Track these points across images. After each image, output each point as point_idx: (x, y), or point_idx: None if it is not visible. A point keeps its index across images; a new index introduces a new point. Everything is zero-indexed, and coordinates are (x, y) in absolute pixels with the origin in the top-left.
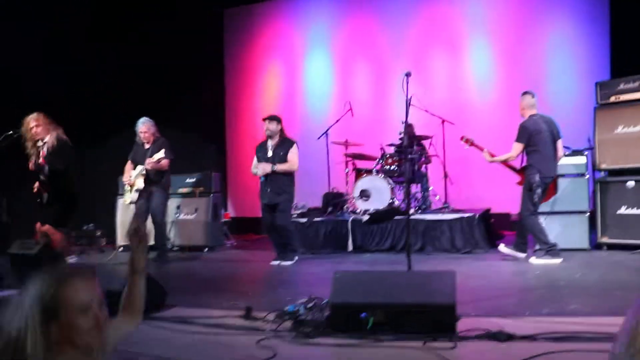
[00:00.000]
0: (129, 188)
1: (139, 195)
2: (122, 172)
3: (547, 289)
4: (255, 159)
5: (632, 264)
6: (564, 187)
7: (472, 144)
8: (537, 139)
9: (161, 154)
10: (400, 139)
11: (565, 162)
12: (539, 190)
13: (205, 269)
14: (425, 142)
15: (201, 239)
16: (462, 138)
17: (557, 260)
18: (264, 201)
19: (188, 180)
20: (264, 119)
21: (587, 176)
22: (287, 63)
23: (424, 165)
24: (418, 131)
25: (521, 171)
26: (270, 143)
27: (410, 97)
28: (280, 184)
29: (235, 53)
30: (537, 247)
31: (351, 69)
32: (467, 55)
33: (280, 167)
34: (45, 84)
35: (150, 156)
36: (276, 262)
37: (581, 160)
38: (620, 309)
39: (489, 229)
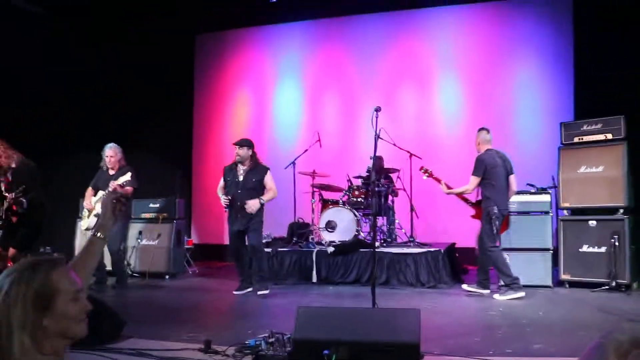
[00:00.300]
0: (88, 213)
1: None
2: (82, 196)
3: (511, 327)
4: (222, 180)
5: (593, 302)
6: (528, 224)
7: (430, 175)
8: (492, 172)
9: (127, 177)
10: (368, 171)
11: (530, 200)
12: (497, 222)
13: (166, 298)
14: (392, 175)
15: (163, 266)
16: (421, 168)
17: (520, 294)
18: (235, 227)
19: (152, 205)
20: (235, 144)
21: (551, 214)
22: (257, 91)
23: (390, 198)
24: (386, 164)
25: (476, 205)
26: (242, 168)
27: (379, 131)
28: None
29: (206, 79)
30: (501, 282)
31: (321, 100)
32: (436, 91)
33: (266, 198)
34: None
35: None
36: (239, 292)
37: (545, 198)
38: (583, 349)
39: (454, 263)
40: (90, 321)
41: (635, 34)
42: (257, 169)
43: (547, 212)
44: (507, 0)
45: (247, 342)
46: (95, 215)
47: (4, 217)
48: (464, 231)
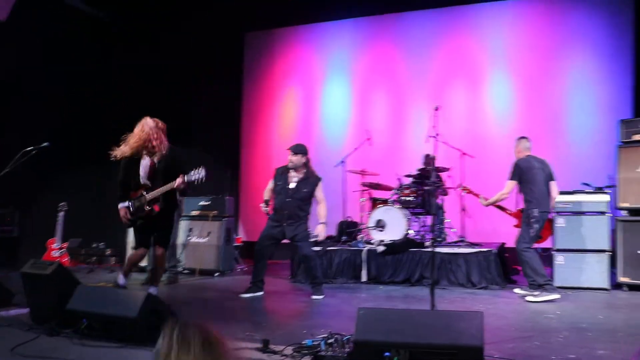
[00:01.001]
0: None
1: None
2: None
3: (570, 331)
4: (271, 182)
5: None
6: (583, 224)
7: (469, 191)
8: (529, 175)
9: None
10: (418, 170)
11: (587, 200)
12: (536, 225)
13: (217, 295)
14: (442, 174)
15: (212, 263)
16: (459, 186)
17: (554, 296)
18: (274, 232)
19: (201, 203)
20: (289, 149)
21: (608, 214)
22: (305, 89)
23: (440, 197)
24: (437, 163)
25: (517, 213)
26: (294, 174)
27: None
28: (296, 217)
29: (254, 77)
30: (529, 283)
31: (370, 98)
32: (487, 88)
33: (324, 214)
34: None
35: None
36: (247, 295)
37: (603, 198)
38: None
39: (504, 264)
40: (150, 318)
41: None
42: (310, 180)
43: (604, 213)
44: None
45: (304, 342)
46: None
47: (145, 210)
48: (514, 232)
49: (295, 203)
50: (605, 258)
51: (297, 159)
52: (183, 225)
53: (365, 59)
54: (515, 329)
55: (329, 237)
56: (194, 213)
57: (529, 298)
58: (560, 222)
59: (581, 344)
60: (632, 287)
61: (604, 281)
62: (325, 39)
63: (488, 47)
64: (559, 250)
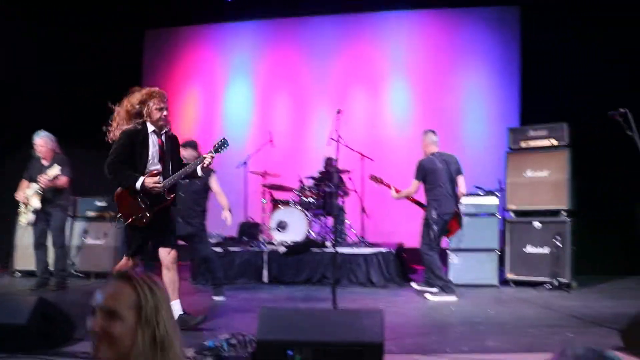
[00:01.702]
0: (24, 208)
1: (37, 217)
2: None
3: (464, 325)
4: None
5: (538, 301)
6: (476, 225)
7: (380, 182)
8: (432, 177)
9: (56, 170)
10: (320, 172)
11: (478, 202)
12: (435, 227)
13: None
14: (343, 176)
15: (109, 266)
16: (371, 177)
17: (452, 298)
18: None
19: (98, 203)
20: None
21: (498, 216)
22: (207, 89)
23: (340, 199)
24: (338, 165)
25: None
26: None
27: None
28: (192, 213)
29: (155, 75)
30: (424, 279)
31: (273, 100)
32: (387, 94)
33: (226, 204)
34: None
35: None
36: None
37: (493, 201)
38: (535, 345)
39: (403, 263)
40: (41, 325)
41: (578, 44)
42: (205, 173)
43: (493, 214)
44: (457, 8)
45: (206, 344)
46: (32, 211)
47: (167, 199)
48: (412, 232)
49: (190, 197)
50: (494, 257)
51: (188, 153)
52: (78, 226)
53: (268, 62)
54: (414, 325)
55: (230, 238)
56: (90, 214)
57: (428, 295)
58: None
59: (474, 337)
60: (518, 283)
61: (493, 278)
62: (228, 39)
63: (388, 55)
64: (453, 250)
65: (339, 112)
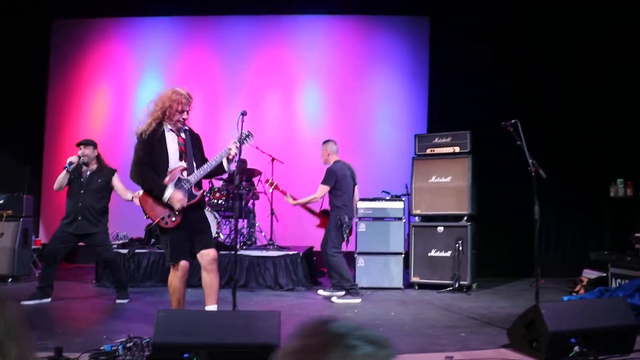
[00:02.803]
0: None
1: None
2: None
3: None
4: (62, 174)
5: (439, 303)
6: (383, 229)
7: (276, 187)
8: (343, 183)
9: None
10: (230, 174)
11: (385, 206)
12: (347, 230)
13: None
14: (254, 179)
15: (6, 268)
16: (267, 181)
17: (357, 300)
18: (70, 229)
19: None
20: (78, 144)
21: (404, 220)
22: (118, 85)
23: (251, 201)
24: (248, 167)
25: (320, 214)
26: (87, 169)
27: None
28: (94, 212)
29: (62, 68)
30: (332, 284)
31: None
32: (300, 97)
33: (135, 194)
34: None
35: None
36: (31, 302)
37: (399, 205)
38: (431, 345)
39: (312, 266)
40: None
41: (484, 54)
42: (104, 171)
43: (400, 218)
44: (371, 15)
45: (102, 348)
46: None
47: (195, 196)
48: (321, 234)
49: (90, 195)
50: (400, 260)
51: (89, 151)
52: None
53: (181, 60)
54: None
55: (137, 240)
56: None
57: (334, 299)
58: (361, 227)
59: None
60: (422, 286)
61: (399, 281)
62: (141, 35)
63: (302, 58)
64: (360, 254)
65: (243, 113)
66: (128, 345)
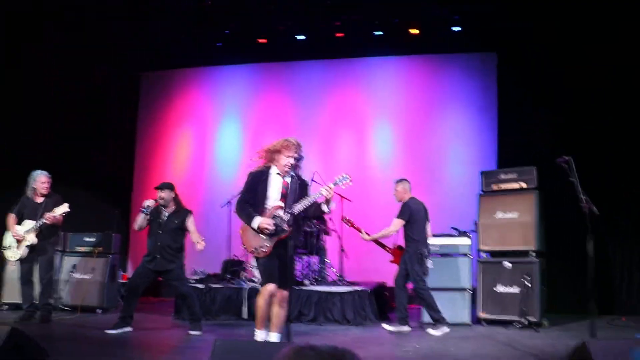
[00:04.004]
0: (17, 244)
1: (30, 251)
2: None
3: None
4: (140, 217)
5: (502, 338)
6: (449, 265)
7: (352, 225)
8: (417, 217)
9: (65, 207)
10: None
11: (452, 243)
12: (428, 262)
13: (97, 333)
14: (325, 216)
15: (96, 300)
16: (343, 218)
17: (448, 329)
18: (149, 266)
19: (87, 239)
20: (156, 188)
21: (470, 256)
22: (199, 131)
23: (322, 238)
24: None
25: (394, 250)
26: (165, 211)
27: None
28: (170, 251)
29: (149, 116)
30: (429, 318)
31: (261, 141)
32: (371, 137)
33: (197, 238)
34: None
35: (47, 210)
36: (115, 331)
37: (466, 241)
38: None
39: (382, 302)
40: (13, 354)
41: (550, 92)
42: (180, 212)
43: (466, 254)
44: (438, 54)
45: None
46: (27, 246)
47: (286, 230)
48: (394, 269)
49: (167, 236)
50: (467, 296)
51: (166, 194)
52: (67, 260)
53: (258, 105)
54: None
55: (213, 275)
56: (79, 249)
57: (430, 331)
58: (429, 263)
59: None
60: (490, 322)
61: (466, 316)
62: (220, 83)
63: (373, 99)
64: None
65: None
66: None
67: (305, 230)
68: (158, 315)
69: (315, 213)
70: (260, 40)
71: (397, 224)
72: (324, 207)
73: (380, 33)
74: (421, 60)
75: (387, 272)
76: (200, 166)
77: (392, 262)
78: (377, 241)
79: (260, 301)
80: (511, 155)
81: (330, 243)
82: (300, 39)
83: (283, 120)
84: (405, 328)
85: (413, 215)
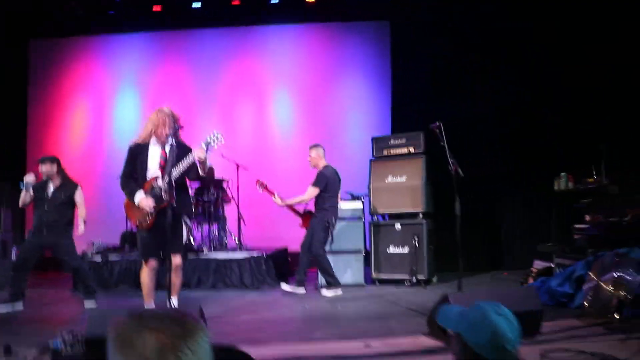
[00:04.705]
0: None
1: None
2: None
3: (305, 320)
4: (22, 193)
5: (390, 297)
6: (344, 229)
7: (265, 188)
8: (332, 187)
9: None
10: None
11: (346, 207)
12: (331, 231)
13: None
14: (223, 185)
15: None
16: (257, 182)
17: (340, 292)
18: (36, 240)
19: None
20: (38, 161)
21: (364, 219)
22: (96, 101)
23: (221, 206)
24: (217, 175)
25: (304, 215)
26: (51, 185)
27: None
28: (58, 226)
29: (41, 86)
30: (324, 281)
31: None
32: (271, 105)
33: (84, 215)
34: None
35: None
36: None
37: (358, 205)
38: (351, 334)
39: (283, 266)
40: None
41: (440, 57)
42: (68, 186)
43: (360, 218)
44: (333, 22)
45: (50, 345)
46: None
47: (164, 200)
48: (297, 236)
49: (55, 209)
50: (361, 257)
51: (47, 168)
52: None
53: (155, 74)
54: (260, 321)
55: (112, 247)
56: None
57: (324, 292)
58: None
59: (307, 329)
60: (382, 282)
61: (360, 278)
62: (116, 52)
63: (271, 68)
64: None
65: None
66: (69, 340)
67: (203, 199)
68: (55, 289)
69: (196, 176)
70: (155, 8)
71: (312, 192)
72: (200, 171)
73: (276, 1)
74: (318, 28)
75: (290, 238)
76: (98, 137)
77: (301, 226)
78: (289, 206)
79: (144, 277)
80: (404, 122)
81: (230, 211)
82: (195, 7)
83: (181, 89)
84: (301, 290)
85: (328, 185)
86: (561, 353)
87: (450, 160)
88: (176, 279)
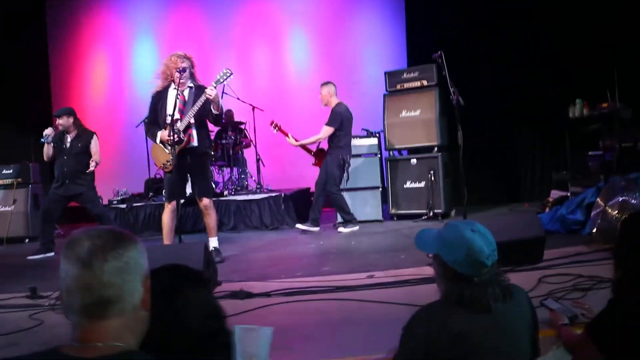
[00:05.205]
0: None
1: None
2: None
3: (317, 255)
4: (46, 147)
5: (407, 231)
6: (360, 165)
7: (279, 129)
8: (347, 125)
9: None
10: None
11: (361, 143)
12: (346, 169)
13: (20, 259)
14: (242, 127)
15: (22, 230)
16: (271, 123)
17: (357, 227)
18: (59, 192)
19: (5, 171)
20: (54, 115)
21: (379, 155)
22: (113, 52)
23: (240, 149)
24: (236, 117)
25: (317, 153)
26: (68, 136)
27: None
28: (78, 175)
29: (60, 41)
30: (340, 219)
31: None
32: (286, 46)
33: (98, 160)
34: None
35: None
36: (36, 257)
37: (373, 141)
38: (358, 267)
39: (306, 206)
40: None
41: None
42: (84, 135)
43: (375, 154)
44: None
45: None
46: None
47: (183, 138)
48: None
49: (73, 159)
50: (378, 194)
51: (64, 121)
52: None
53: (170, 21)
54: (273, 259)
55: (137, 195)
56: None
57: (340, 229)
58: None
59: (316, 264)
60: (400, 217)
61: (378, 214)
62: (129, 1)
63: (285, 7)
64: (342, 190)
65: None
66: None
67: (222, 142)
68: None
69: (213, 119)
70: None
71: (327, 131)
72: (213, 109)
73: None
74: None
75: (312, 178)
76: (119, 87)
77: (314, 164)
78: (303, 146)
79: (164, 217)
80: (419, 54)
81: (249, 154)
82: None
83: (197, 35)
84: (315, 228)
85: (343, 123)
86: (560, 277)
87: (451, 89)
88: (209, 220)
